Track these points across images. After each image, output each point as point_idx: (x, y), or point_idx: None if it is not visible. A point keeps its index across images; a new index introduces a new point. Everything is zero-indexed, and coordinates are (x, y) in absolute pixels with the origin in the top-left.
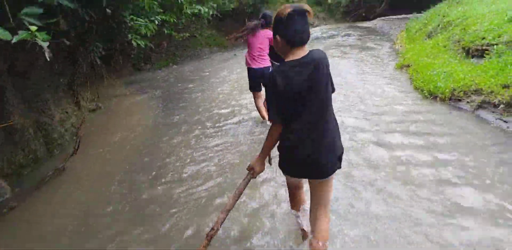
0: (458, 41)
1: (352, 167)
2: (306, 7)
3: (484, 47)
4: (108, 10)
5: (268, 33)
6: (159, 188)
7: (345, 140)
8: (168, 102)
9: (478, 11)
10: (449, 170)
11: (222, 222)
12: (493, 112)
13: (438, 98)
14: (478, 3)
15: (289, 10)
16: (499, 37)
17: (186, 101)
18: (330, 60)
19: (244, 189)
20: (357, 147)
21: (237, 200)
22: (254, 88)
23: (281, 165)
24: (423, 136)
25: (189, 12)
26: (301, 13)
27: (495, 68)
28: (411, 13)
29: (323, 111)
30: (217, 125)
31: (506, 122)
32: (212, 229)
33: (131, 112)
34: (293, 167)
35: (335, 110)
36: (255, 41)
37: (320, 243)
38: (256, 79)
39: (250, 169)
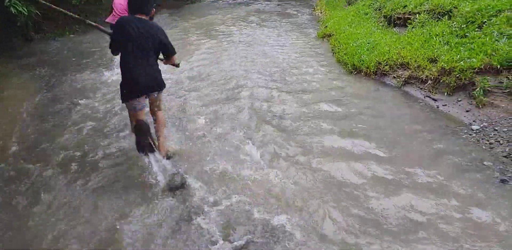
0: (379, 9)
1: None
2: None
3: (406, 16)
4: None
5: None
6: None
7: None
8: (55, 84)
9: None
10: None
11: None
12: (421, 88)
13: (362, 73)
14: None
15: None
16: (420, 5)
17: (77, 82)
18: (250, 30)
19: None
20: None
21: None
22: None
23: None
24: (345, 120)
25: None
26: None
27: (420, 40)
28: None
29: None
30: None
31: (436, 100)
32: None
33: (6, 98)
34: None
35: (253, 86)
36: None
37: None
38: None
39: None
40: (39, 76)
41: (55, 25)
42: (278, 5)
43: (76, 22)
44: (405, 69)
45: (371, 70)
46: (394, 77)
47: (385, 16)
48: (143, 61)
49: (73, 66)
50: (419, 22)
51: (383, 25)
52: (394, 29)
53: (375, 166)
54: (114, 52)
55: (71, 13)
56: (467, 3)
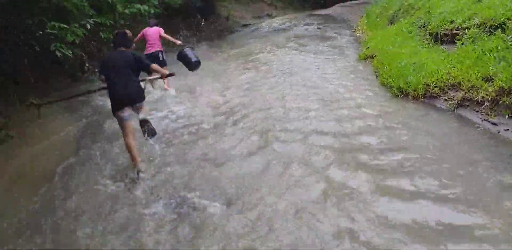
0: (424, 26)
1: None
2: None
3: (454, 32)
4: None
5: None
6: None
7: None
8: (93, 128)
9: None
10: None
11: None
12: (477, 111)
13: (410, 96)
14: None
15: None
16: (469, 19)
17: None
18: (289, 57)
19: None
20: (317, 169)
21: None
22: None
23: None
24: (397, 152)
25: (128, 12)
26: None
27: (471, 57)
28: None
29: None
30: None
31: (495, 124)
32: None
33: (45, 143)
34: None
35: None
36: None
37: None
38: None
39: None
40: (80, 117)
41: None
42: (317, 28)
43: None
44: (457, 91)
45: (419, 93)
46: (445, 99)
47: (430, 34)
48: (122, 82)
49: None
50: (469, 38)
51: (429, 43)
52: (442, 47)
53: (434, 206)
54: (100, 77)
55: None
56: None
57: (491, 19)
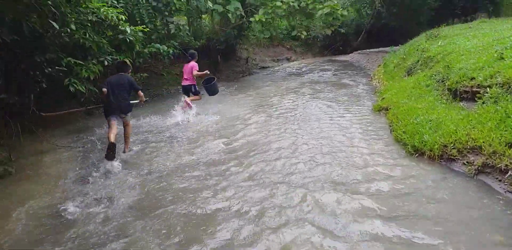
0: (443, 81)
1: None
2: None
3: (474, 89)
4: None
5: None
6: None
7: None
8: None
9: (460, 46)
10: None
11: None
12: (499, 180)
13: (425, 155)
14: (458, 37)
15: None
16: (491, 77)
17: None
18: (302, 102)
19: None
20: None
21: None
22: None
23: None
24: (403, 224)
25: (147, 51)
26: (120, 62)
27: (494, 118)
28: (387, 47)
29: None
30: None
31: None
32: None
33: (47, 180)
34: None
35: (297, 173)
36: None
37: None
38: (184, 90)
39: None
40: (90, 150)
41: None
42: (333, 75)
43: None
44: (477, 154)
45: (435, 154)
46: (464, 163)
47: (449, 89)
48: (117, 97)
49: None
50: (490, 97)
51: (447, 99)
52: (461, 104)
53: None
54: (103, 89)
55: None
56: None
57: None
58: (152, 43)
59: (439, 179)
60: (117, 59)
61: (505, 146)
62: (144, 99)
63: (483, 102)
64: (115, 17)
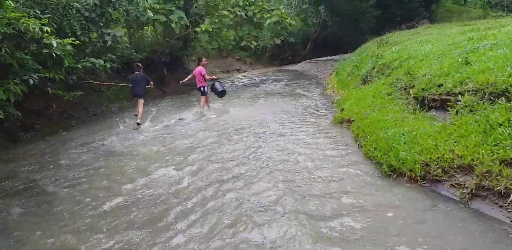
0: (405, 88)
1: None
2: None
3: (444, 97)
4: None
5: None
6: None
7: None
8: (22, 204)
9: (416, 51)
10: None
11: None
12: (500, 206)
13: (405, 177)
14: (410, 42)
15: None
16: (461, 84)
17: (53, 205)
18: (258, 116)
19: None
20: None
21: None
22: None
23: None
24: None
25: (80, 66)
26: (136, 65)
27: (476, 130)
28: (335, 55)
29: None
30: None
31: None
32: None
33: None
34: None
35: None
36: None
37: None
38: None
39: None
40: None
41: (51, 122)
42: (286, 85)
43: (72, 117)
44: (466, 174)
45: (417, 174)
46: (453, 185)
47: (415, 97)
48: (137, 86)
49: (48, 177)
50: (465, 106)
51: (414, 109)
52: (430, 114)
53: None
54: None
55: None
56: None
57: (490, 85)
58: (87, 58)
59: (426, 208)
60: (46, 77)
61: (500, 164)
62: (153, 86)
63: (456, 112)
64: (37, 29)
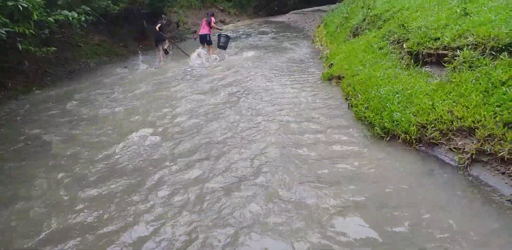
0: (398, 42)
1: None
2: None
3: (440, 52)
4: None
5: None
6: None
7: None
8: None
9: (410, 1)
10: None
11: None
12: (502, 173)
13: (400, 139)
14: None
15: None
16: (459, 37)
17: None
18: (244, 73)
19: None
20: None
21: None
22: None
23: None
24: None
25: (52, 20)
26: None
27: (477, 89)
28: (323, 5)
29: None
30: None
31: None
32: None
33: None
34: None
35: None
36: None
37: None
38: (201, 39)
39: None
40: None
41: (25, 79)
42: (272, 38)
43: (48, 74)
44: (466, 137)
45: (412, 137)
46: (452, 149)
47: (409, 52)
48: (157, 36)
49: (19, 141)
50: (464, 62)
51: (407, 64)
52: (425, 69)
53: None
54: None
55: None
56: None
57: (492, 39)
58: (59, 10)
59: (424, 173)
60: (14, 31)
61: (504, 127)
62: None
63: (454, 68)
64: None
